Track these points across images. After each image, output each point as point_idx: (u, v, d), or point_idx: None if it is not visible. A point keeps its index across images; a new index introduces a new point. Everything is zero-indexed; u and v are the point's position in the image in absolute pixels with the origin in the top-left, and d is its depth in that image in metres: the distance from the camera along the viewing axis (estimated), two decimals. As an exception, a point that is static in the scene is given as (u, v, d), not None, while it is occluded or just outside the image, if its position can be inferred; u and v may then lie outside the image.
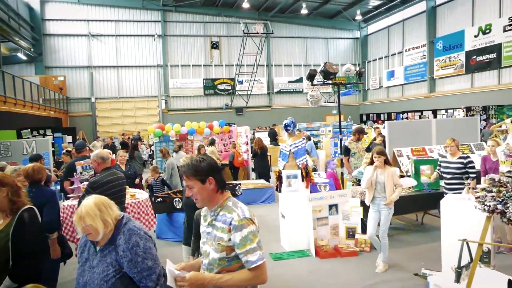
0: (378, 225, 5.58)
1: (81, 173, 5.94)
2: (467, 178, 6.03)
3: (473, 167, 6.05)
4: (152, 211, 6.12)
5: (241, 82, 25.95)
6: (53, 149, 13.43)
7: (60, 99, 22.71)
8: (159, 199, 7.19)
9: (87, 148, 7.99)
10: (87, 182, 4.74)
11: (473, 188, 4.86)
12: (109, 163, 4.74)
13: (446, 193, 6.25)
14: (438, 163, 6.57)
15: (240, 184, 9.07)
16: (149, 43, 25.44)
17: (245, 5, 23.44)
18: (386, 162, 5.46)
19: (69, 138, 16.79)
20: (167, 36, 25.71)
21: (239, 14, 25.95)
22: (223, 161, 12.93)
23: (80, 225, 2.29)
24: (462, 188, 5.90)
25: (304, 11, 24.54)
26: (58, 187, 8.14)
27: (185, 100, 26.40)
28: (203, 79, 26.48)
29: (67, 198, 6.04)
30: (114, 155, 7.44)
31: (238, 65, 24.36)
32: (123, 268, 2.29)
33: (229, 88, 26.62)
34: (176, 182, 8.91)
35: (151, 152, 16.48)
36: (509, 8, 17.59)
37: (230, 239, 2.19)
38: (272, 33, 23.79)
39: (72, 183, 5.96)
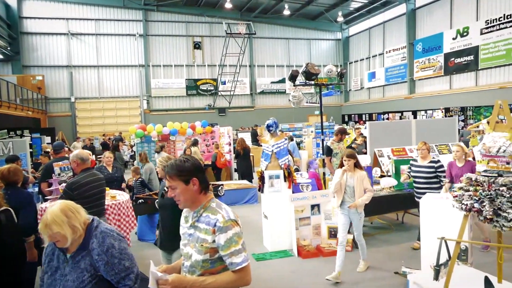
0: (349, 232, 5.60)
1: (59, 174, 5.81)
2: (437, 183, 6.05)
3: (444, 171, 6.08)
4: (133, 213, 6.04)
5: (224, 83, 25.90)
6: (31, 150, 13.14)
7: (39, 99, 22.21)
8: (140, 201, 7.10)
9: (66, 149, 7.83)
10: (65, 184, 4.65)
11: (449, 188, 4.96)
12: (89, 164, 4.66)
13: (417, 197, 6.25)
14: (409, 165, 6.49)
15: (222, 184, 9.05)
16: (131, 43, 25.14)
17: (228, 5, 23.39)
18: (356, 165, 5.31)
19: (48, 139, 16.43)
20: (148, 35, 25.46)
21: (221, 14, 25.88)
22: (206, 161, 12.87)
23: (47, 233, 2.18)
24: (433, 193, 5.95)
25: (286, 12, 24.65)
26: (36, 189, 7.96)
27: (167, 100, 26.18)
28: (186, 79, 26.32)
29: (45, 200, 5.90)
30: (93, 156, 7.31)
31: (221, 65, 24.30)
32: (99, 272, 2.23)
33: (212, 88, 26.53)
34: (156, 185, 8.78)
35: (133, 153, 16.29)
36: (486, 12, 18.04)
37: (214, 241, 2.15)
38: (255, 33, 23.83)
39: (50, 185, 5.83)
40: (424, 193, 5.96)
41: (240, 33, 22.55)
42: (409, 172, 6.42)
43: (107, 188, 5.70)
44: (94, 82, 24.58)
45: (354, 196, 5.20)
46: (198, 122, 13.92)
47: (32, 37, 23.41)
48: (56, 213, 2.20)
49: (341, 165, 5.40)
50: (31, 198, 4.23)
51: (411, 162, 6.49)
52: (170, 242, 4.12)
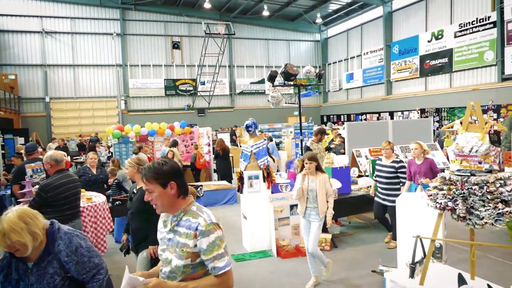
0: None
1: (31, 176, 5.65)
2: (398, 183, 6.10)
3: (405, 172, 6.11)
4: (110, 215, 5.93)
5: (203, 83, 25.75)
6: (3, 151, 12.75)
7: (11, 99, 21.55)
8: (117, 202, 6.98)
9: (39, 150, 7.61)
10: (38, 186, 4.52)
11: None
12: (63, 165, 4.55)
13: (377, 196, 6.30)
14: (376, 169, 6.47)
15: (201, 185, 8.99)
16: (108, 42, 24.71)
17: (207, 5, 23.29)
18: (318, 168, 5.07)
19: (21, 140, 16.00)
20: (126, 35, 25.08)
21: (200, 14, 25.74)
22: (185, 162, 12.77)
23: (4, 244, 2.06)
24: (395, 195, 5.91)
25: (265, 13, 24.71)
26: (9, 191, 7.73)
27: (146, 100, 25.85)
28: (164, 79, 26.05)
29: (18, 203, 5.73)
30: (68, 157, 7.13)
31: (200, 65, 24.16)
32: (69, 273, 2.19)
33: (191, 88, 26.34)
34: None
35: (110, 154, 16.02)
36: (460, 15, 18.53)
37: (196, 245, 2.10)
38: (234, 34, 23.79)
39: (22, 187, 5.67)
40: (384, 194, 6.12)
41: (219, 34, 22.47)
42: (375, 176, 6.45)
43: (82, 190, 5.59)
44: (69, 82, 24.04)
45: (317, 201, 4.94)
46: (177, 123, 13.81)
47: (5, 35, 22.71)
48: (13, 221, 2.08)
49: (302, 169, 5.09)
50: (2, 201, 4.11)
51: (377, 162, 6.53)
52: (134, 245, 4.13)
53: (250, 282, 5.31)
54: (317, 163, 5.02)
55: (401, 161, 6.20)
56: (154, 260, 3.86)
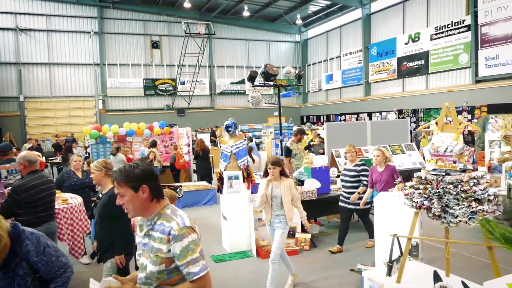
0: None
1: (6, 177, 5.49)
2: (357, 187, 6.06)
3: (367, 175, 6.08)
4: (86, 216, 5.81)
5: (183, 83, 25.56)
6: (-26, 152, 12.32)
7: (-16, 98, 20.93)
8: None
9: (14, 150, 7.40)
10: (10, 187, 4.39)
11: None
12: (37, 166, 4.44)
13: (341, 200, 6.28)
14: (341, 173, 6.43)
15: (181, 186, 8.90)
16: (85, 40, 24.23)
17: (187, 4, 23.13)
18: (282, 173, 4.83)
19: (-7, 140, 15.53)
20: (104, 33, 24.65)
21: (180, 14, 25.54)
22: (164, 163, 12.65)
23: None
24: (359, 198, 5.99)
25: (246, 13, 24.71)
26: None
27: (124, 100, 25.46)
28: (143, 79, 25.72)
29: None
30: (43, 157, 6.93)
31: (180, 65, 23.97)
32: (38, 274, 2.16)
33: (171, 88, 26.10)
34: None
35: (87, 155, 15.71)
36: (436, 19, 18.96)
37: (169, 250, 2.03)
38: (214, 34, 23.71)
39: (-5, 189, 5.50)
40: (348, 198, 6.06)
41: (199, 33, 22.35)
42: (341, 182, 6.42)
43: (58, 192, 5.46)
44: (45, 81, 23.45)
45: (282, 208, 4.73)
46: (156, 123, 13.66)
47: (-23, 32, 22.03)
48: None
49: (266, 174, 4.85)
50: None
51: (344, 166, 6.52)
52: (101, 252, 3.97)
53: (230, 283, 5.29)
54: (281, 168, 4.78)
55: (363, 164, 6.19)
56: (121, 270, 3.66)
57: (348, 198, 6.13)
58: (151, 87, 25.88)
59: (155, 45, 26.02)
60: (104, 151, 12.30)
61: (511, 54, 15.04)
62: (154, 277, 2.07)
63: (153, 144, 12.00)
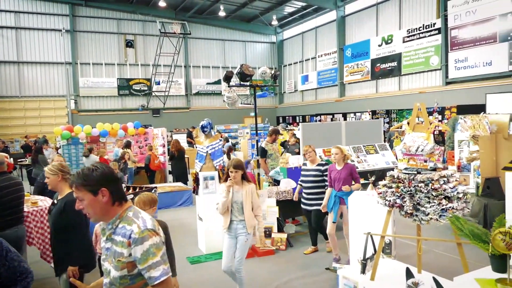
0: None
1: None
2: (324, 187, 5.87)
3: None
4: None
5: (158, 83, 25.25)
6: None
7: None
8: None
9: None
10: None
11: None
12: (5, 167, 4.29)
13: (303, 203, 6.07)
14: (301, 174, 6.20)
15: (156, 187, 8.79)
16: (56, 39, 23.58)
17: (162, 3, 22.86)
18: (244, 177, 4.53)
19: (-42, 141, 14.91)
20: (76, 31, 24.06)
21: (155, 13, 25.21)
22: (139, 164, 12.47)
23: None
24: (320, 199, 5.81)
25: (222, 13, 24.64)
26: None
27: (98, 100, 24.93)
28: (117, 78, 25.26)
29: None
30: (11, 159, 6.68)
31: (155, 65, 23.67)
32: (0, 279, 2.11)
33: (145, 88, 25.74)
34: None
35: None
36: (407, 21, 19.40)
37: (130, 254, 1.98)
38: (190, 33, 23.54)
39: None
40: (311, 199, 5.86)
41: (174, 33, 22.13)
42: (300, 182, 6.23)
43: (27, 194, 5.29)
44: (14, 80, 22.67)
45: (243, 214, 4.44)
46: (130, 123, 13.44)
47: None
48: None
49: (227, 178, 4.57)
50: None
51: (302, 167, 6.23)
52: (56, 263, 3.67)
53: (206, 284, 5.25)
54: (243, 172, 4.51)
55: (326, 164, 6.02)
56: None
57: (309, 200, 5.94)
58: (125, 87, 25.45)
59: (130, 44, 25.60)
60: (76, 153, 12.01)
61: (480, 56, 15.56)
62: (117, 283, 2.01)
63: (127, 145, 11.80)
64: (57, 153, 8.92)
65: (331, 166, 5.72)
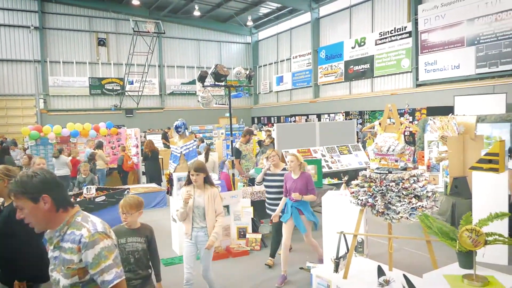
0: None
1: None
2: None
3: None
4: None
5: (131, 83, 24.82)
6: None
7: None
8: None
9: None
10: None
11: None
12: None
13: (268, 208, 5.74)
14: (265, 179, 5.82)
15: (129, 188, 8.63)
16: (24, 36, 22.80)
17: (135, 2, 22.50)
18: (206, 180, 4.28)
19: None
20: (46, 28, 23.35)
21: (128, 11, 24.78)
22: (111, 165, 12.22)
23: None
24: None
25: (196, 13, 24.46)
26: None
27: (68, 100, 24.27)
28: (89, 77, 24.67)
29: None
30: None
31: (128, 64, 23.25)
32: None
33: (118, 88, 25.25)
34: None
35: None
36: (380, 24, 19.81)
37: (81, 260, 1.89)
38: (164, 33, 23.24)
39: None
40: (276, 204, 5.48)
41: (148, 32, 21.80)
42: (265, 189, 5.91)
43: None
44: (-21, 78, 21.82)
45: (204, 220, 4.19)
46: (102, 123, 13.15)
47: None
48: None
49: (189, 182, 4.31)
50: None
51: (266, 171, 5.82)
52: (1, 277, 3.29)
53: (179, 286, 5.18)
54: (205, 175, 4.24)
55: None
56: None
57: (274, 206, 5.56)
58: (98, 86, 24.89)
59: (102, 42, 25.06)
60: (45, 154, 11.64)
61: (448, 60, 16.05)
62: None
63: (99, 146, 11.55)
64: (28, 154, 8.59)
65: (286, 175, 5.30)
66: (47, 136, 11.67)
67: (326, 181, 8.79)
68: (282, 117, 26.51)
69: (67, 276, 1.91)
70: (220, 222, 4.22)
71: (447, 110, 12.83)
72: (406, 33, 18.13)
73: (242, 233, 6.60)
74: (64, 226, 1.97)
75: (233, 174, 7.96)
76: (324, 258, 5.14)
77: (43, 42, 23.20)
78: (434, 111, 15.07)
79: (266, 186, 5.82)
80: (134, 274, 3.37)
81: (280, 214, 5.37)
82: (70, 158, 11.04)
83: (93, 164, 10.16)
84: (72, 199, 6.17)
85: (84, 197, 7.25)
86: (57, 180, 2.03)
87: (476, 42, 14.92)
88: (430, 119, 7.99)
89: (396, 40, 18.64)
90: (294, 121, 24.53)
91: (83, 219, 1.99)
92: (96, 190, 7.64)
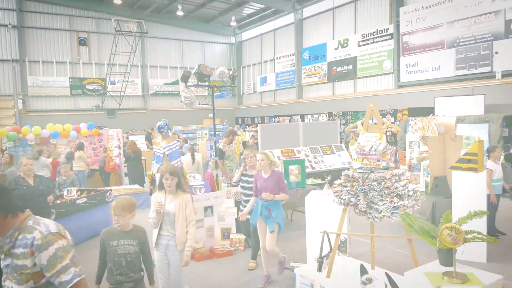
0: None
1: None
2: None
3: None
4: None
5: (113, 83, 24.49)
6: None
7: None
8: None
9: None
10: None
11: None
12: None
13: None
14: (242, 180, 5.74)
15: (111, 190, 8.52)
16: (1, 35, 22.25)
17: (117, 0, 22.20)
18: (179, 186, 4.00)
19: None
20: (24, 27, 22.85)
21: (110, 10, 24.44)
22: (93, 166, 12.03)
23: None
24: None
25: (180, 13, 24.29)
26: None
27: (48, 100, 23.80)
28: (70, 77, 24.23)
29: None
30: None
31: (110, 64, 22.93)
32: None
33: (100, 88, 24.87)
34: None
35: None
36: (362, 26, 20.03)
37: (35, 264, 1.82)
38: (146, 32, 23.01)
39: None
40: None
41: (130, 31, 21.56)
42: (241, 190, 5.78)
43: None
44: (-46, 77, 21.20)
45: (175, 227, 3.90)
46: (83, 124, 12.93)
47: None
48: None
49: (162, 186, 4.01)
50: None
51: (242, 172, 5.74)
52: None
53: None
54: (178, 180, 3.97)
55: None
56: None
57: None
58: (78, 86, 24.48)
59: (83, 42, 24.67)
60: (24, 155, 11.37)
61: (429, 61, 16.32)
62: None
63: (80, 147, 11.35)
64: (9, 153, 8.32)
65: (257, 174, 5.13)
66: (26, 137, 11.41)
67: (309, 181, 8.83)
68: (266, 117, 26.55)
69: (21, 282, 1.83)
70: (191, 234, 3.93)
71: (428, 111, 13.04)
72: (388, 35, 18.38)
73: (226, 233, 6.58)
74: (14, 232, 1.89)
75: (217, 175, 7.93)
76: (308, 258, 5.16)
77: (21, 41, 22.69)
78: (415, 112, 15.30)
79: (242, 187, 5.70)
80: (126, 277, 3.33)
81: (248, 216, 5.26)
82: (50, 159, 10.83)
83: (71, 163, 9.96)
84: (52, 202, 6.05)
85: (65, 199, 7.12)
86: (3, 186, 1.96)
87: (456, 44, 15.23)
88: (412, 120, 8.12)
89: (378, 41, 18.87)
90: (278, 122, 24.60)
91: (34, 222, 1.92)
92: (77, 191, 7.52)
